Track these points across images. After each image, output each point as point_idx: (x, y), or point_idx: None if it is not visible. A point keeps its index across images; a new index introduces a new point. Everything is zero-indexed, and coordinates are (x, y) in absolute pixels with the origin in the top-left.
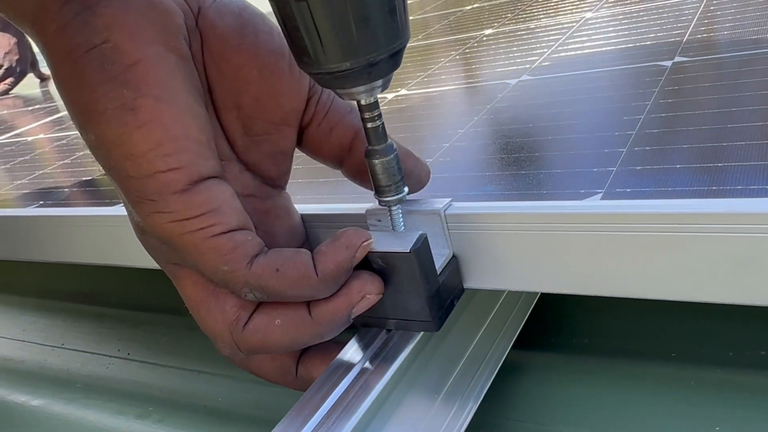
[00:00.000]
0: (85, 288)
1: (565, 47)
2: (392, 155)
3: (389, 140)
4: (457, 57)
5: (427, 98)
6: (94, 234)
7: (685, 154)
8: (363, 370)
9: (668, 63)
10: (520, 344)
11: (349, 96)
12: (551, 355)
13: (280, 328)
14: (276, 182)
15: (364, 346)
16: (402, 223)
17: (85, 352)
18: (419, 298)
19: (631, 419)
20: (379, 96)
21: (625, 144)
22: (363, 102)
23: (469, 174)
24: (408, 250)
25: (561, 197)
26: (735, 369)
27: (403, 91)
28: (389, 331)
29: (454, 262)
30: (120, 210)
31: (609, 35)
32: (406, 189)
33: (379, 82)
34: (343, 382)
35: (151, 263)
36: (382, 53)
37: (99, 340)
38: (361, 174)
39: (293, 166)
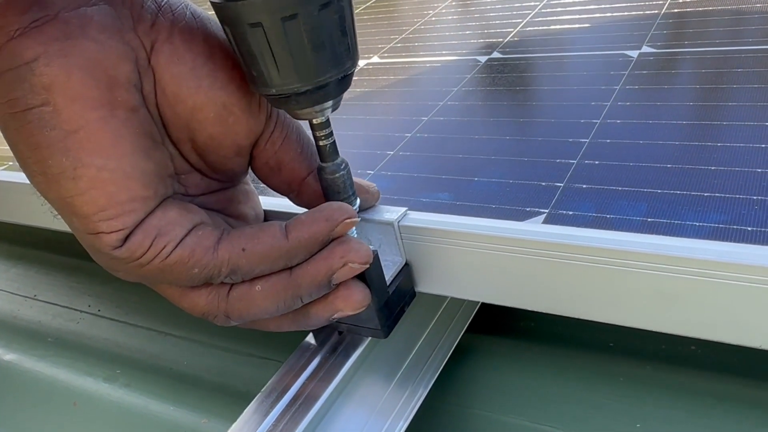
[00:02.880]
0: (59, 237)
1: (541, 18)
2: (342, 172)
3: (340, 157)
4: (433, 18)
5: (397, 71)
6: None
7: (629, 173)
8: (324, 360)
9: (635, 53)
10: (470, 327)
11: (301, 116)
12: (498, 340)
13: (261, 293)
14: (236, 180)
15: (322, 341)
16: (355, 237)
17: (57, 305)
18: (369, 309)
19: (561, 410)
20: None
21: (577, 155)
22: (315, 121)
23: (425, 175)
24: None
25: (507, 213)
26: (664, 365)
27: (375, 59)
28: (340, 333)
29: (406, 269)
30: None
31: (586, 7)
32: (358, 202)
33: (330, 103)
34: (308, 369)
35: None
36: (334, 76)
37: (70, 293)
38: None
39: None
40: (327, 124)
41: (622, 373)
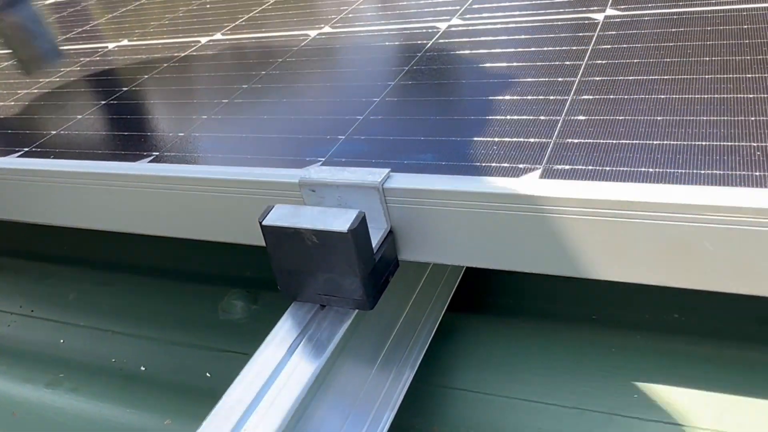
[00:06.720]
0: None
1: None
2: None
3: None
4: None
5: (352, 40)
6: None
7: (621, 126)
8: (303, 346)
9: (600, 16)
10: (452, 306)
11: None
12: (481, 318)
13: None
14: None
15: (300, 321)
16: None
17: None
18: (354, 277)
19: (553, 386)
20: (298, 33)
21: (562, 111)
22: None
23: (402, 138)
24: (345, 230)
25: (499, 171)
26: (652, 333)
27: (327, 28)
28: (323, 307)
29: (390, 236)
30: (24, 163)
31: None
32: None
33: None
34: (284, 356)
35: (59, 219)
36: None
37: None
38: None
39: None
40: None
41: (613, 345)
